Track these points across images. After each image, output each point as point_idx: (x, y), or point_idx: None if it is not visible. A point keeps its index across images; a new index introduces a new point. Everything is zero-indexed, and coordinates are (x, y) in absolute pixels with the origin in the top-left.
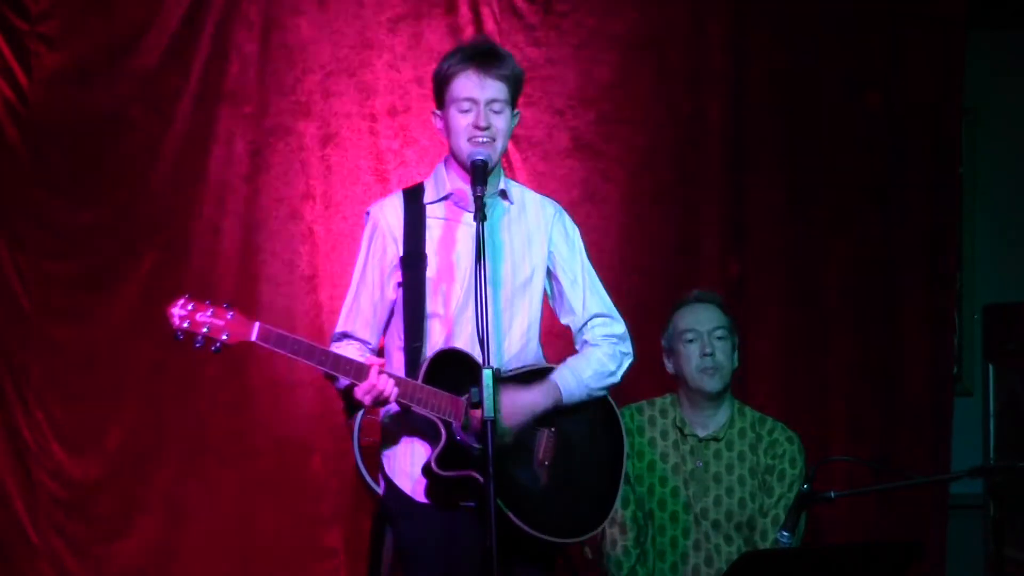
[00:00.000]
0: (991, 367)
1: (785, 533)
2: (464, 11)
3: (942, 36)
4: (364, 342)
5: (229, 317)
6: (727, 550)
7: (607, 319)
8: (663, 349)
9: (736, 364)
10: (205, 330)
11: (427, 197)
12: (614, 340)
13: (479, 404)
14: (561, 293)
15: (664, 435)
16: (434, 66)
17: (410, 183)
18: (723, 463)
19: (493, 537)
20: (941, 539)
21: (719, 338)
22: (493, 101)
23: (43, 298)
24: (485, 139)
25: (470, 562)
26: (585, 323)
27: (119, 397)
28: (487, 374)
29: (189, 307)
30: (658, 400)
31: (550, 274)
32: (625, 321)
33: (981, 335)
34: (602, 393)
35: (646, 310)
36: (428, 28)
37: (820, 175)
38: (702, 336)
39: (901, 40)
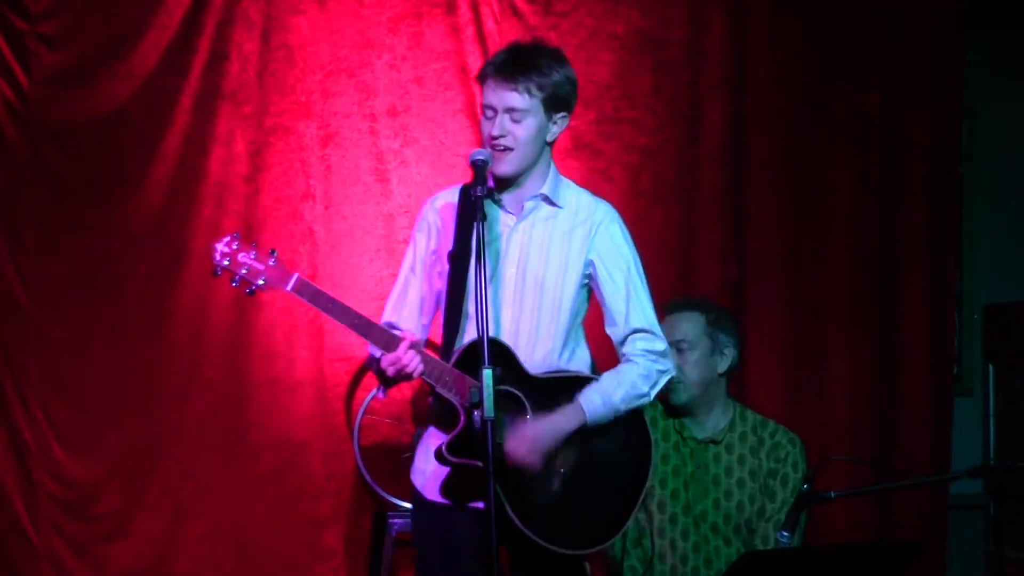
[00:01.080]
0: (991, 367)
1: (785, 533)
2: (464, 11)
3: (942, 37)
4: (410, 333)
5: (270, 263)
6: (726, 552)
7: (648, 335)
8: None
9: (721, 369)
10: (244, 271)
11: (477, 192)
12: (653, 357)
13: (479, 404)
14: (603, 303)
15: (666, 437)
16: (434, 66)
17: (410, 183)
18: (722, 466)
19: (493, 537)
20: (941, 539)
21: (680, 351)
22: (511, 110)
23: (43, 298)
24: (500, 147)
25: (471, 562)
26: (625, 337)
27: (119, 397)
28: (487, 374)
29: (234, 246)
30: (660, 402)
31: (594, 281)
32: None
33: (981, 335)
34: (628, 412)
35: None
36: (428, 28)
37: (820, 175)
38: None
39: (901, 40)
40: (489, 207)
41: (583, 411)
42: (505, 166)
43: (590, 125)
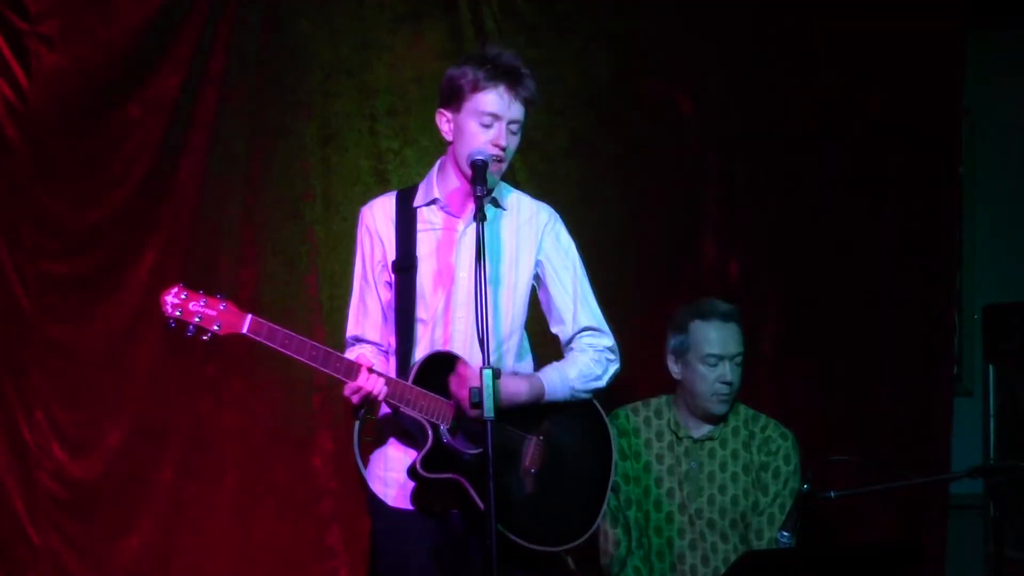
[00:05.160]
0: (991, 367)
1: (785, 533)
2: (464, 11)
3: (942, 36)
4: (376, 344)
5: (222, 308)
6: (723, 548)
7: (596, 332)
8: (671, 349)
9: None
10: (197, 320)
11: (417, 200)
12: (600, 349)
13: (479, 404)
14: (550, 302)
15: (659, 436)
16: (434, 66)
17: (410, 183)
18: (717, 461)
19: (492, 537)
20: (941, 539)
21: (738, 364)
22: (513, 122)
23: (43, 298)
24: (499, 159)
25: (432, 568)
26: (574, 335)
27: (119, 397)
28: (487, 374)
29: (183, 296)
30: (653, 401)
31: (540, 281)
32: (614, 331)
33: (981, 335)
34: (586, 396)
35: (646, 310)
36: (428, 28)
37: (820, 175)
38: (725, 362)
39: (901, 40)
40: (436, 214)
41: (541, 384)
42: (496, 177)
43: (590, 125)
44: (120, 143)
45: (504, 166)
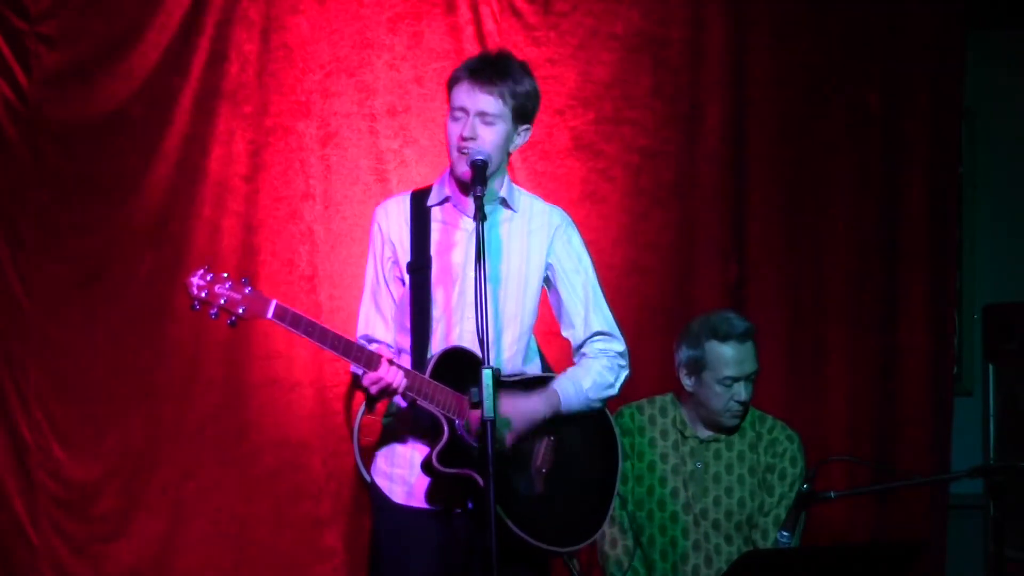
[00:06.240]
0: (991, 367)
1: (785, 533)
2: (464, 11)
3: (942, 37)
4: (387, 344)
5: (247, 292)
6: (727, 550)
7: (608, 337)
8: (683, 362)
9: None
10: (222, 302)
11: (430, 200)
12: (612, 355)
13: (479, 404)
14: (561, 306)
15: (664, 435)
16: (434, 66)
17: (410, 183)
18: (723, 463)
19: (492, 538)
20: (941, 539)
21: (752, 381)
22: (483, 113)
23: (43, 298)
24: (468, 150)
25: (436, 566)
26: (586, 340)
27: (119, 397)
28: (487, 374)
29: (208, 278)
30: (658, 398)
31: (551, 285)
32: (623, 333)
33: (981, 335)
34: (599, 405)
35: (646, 310)
36: (428, 28)
37: (819, 175)
38: (740, 382)
39: (901, 40)
40: (447, 212)
41: (558, 397)
42: (461, 168)
43: (590, 125)
44: (120, 143)
45: (482, 158)
